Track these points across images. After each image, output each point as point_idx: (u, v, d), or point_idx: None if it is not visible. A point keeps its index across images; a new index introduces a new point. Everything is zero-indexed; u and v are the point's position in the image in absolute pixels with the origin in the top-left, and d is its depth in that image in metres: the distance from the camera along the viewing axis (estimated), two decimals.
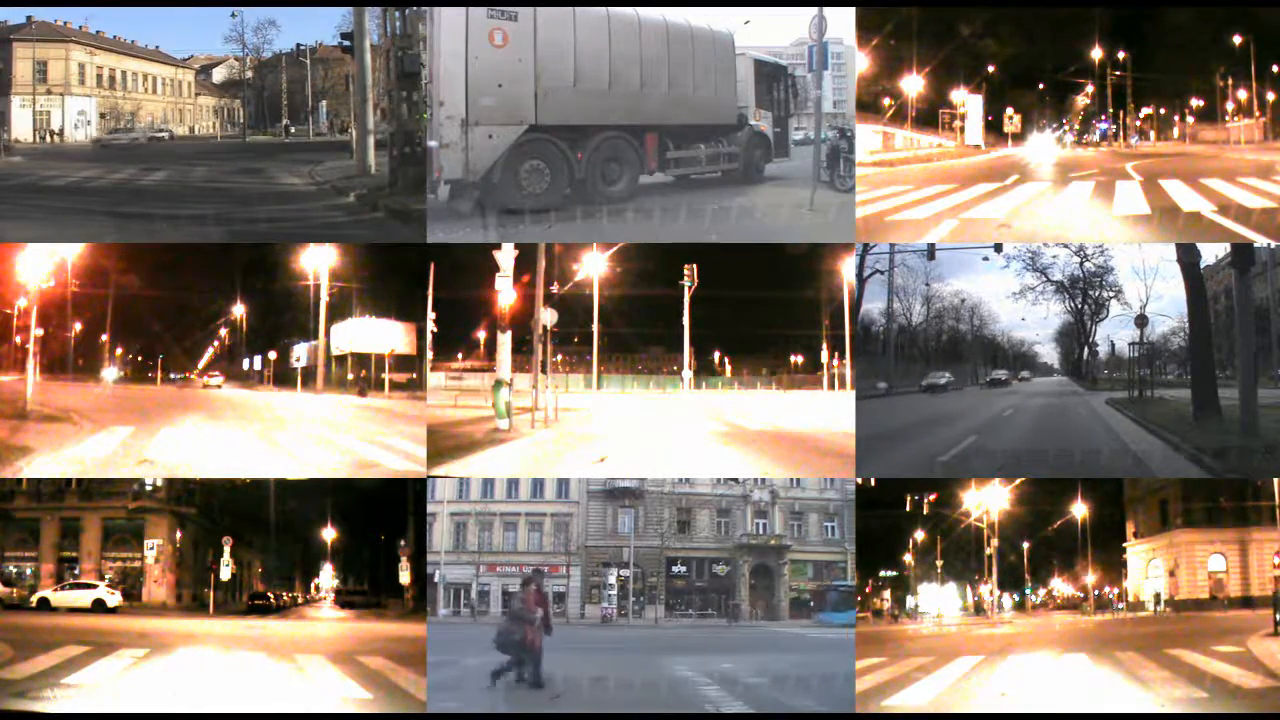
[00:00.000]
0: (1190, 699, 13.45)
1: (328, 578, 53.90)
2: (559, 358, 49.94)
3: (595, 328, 46.25)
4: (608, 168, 24.19)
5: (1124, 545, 42.37)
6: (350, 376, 46.91)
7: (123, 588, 31.11)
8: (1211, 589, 35.76)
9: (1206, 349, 24.82)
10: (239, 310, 52.86)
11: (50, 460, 17.77)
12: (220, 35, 71.85)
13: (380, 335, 48.19)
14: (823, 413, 30.87)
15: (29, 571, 32.81)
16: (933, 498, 40.73)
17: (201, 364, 57.98)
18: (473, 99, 21.75)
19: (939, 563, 47.35)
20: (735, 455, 20.96)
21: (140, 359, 55.88)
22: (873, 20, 30.81)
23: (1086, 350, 60.79)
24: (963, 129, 41.85)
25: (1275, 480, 28.26)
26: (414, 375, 44.71)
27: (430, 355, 41.67)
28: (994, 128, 42.80)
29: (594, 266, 35.59)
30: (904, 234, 25.03)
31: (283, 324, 50.46)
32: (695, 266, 46.98)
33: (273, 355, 52.65)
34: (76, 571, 32.20)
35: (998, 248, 31.92)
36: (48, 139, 50.13)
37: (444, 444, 20.06)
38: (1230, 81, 43.70)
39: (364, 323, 48.80)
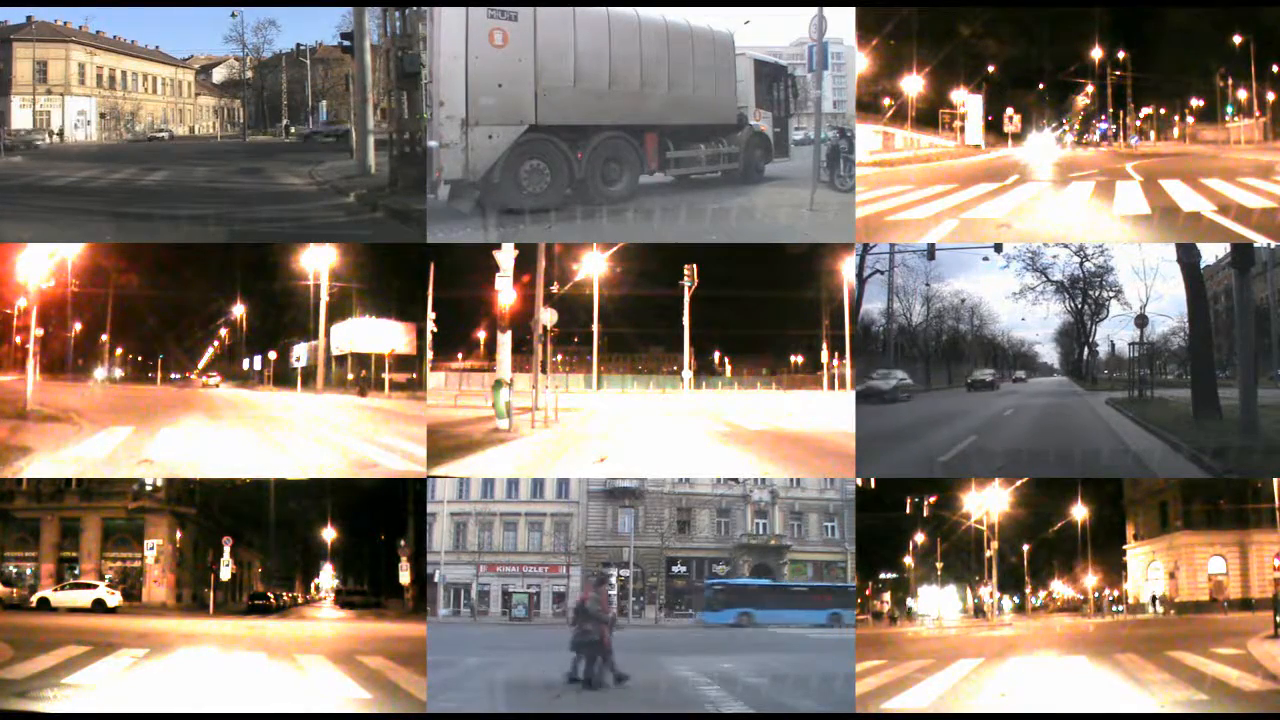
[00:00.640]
0: (1190, 701, 13.44)
1: (328, 578, 53.95)
2: (559, 358, 49.99)
3: (595, 328, 46.33)
4: (608, 168, 24.18)
5: (1124, 547, 42.37)
6: (350, 376, 46.98)
7: (123, 588, 31.16)
8: (1211, 591, 35.75)
9: (1206, 349, 24.82)
10: (239, 310, 52.96)
11: (50, 460, 17.76)
12: (220, 35, 72.00)
13: (380, 335, 48.25)
14: (823, 413, 30.86)
15: (29, 571, 32.84)
16: (933, 500, 40.72)
17: (201, 364, 58.06)
18: (473, 99, 21.73)
19: (939, 565, 47.36)
20: (735, 455, 20.95)
21: (140, 359, 55.95)
22: (873, 20, 30.81)
23: (1086, 350, 60.86)
24: (963, 129, 41.86)
25: (1275, 481, 28.26)
26: (414, 375, 44.74)
27: (430, 355, 41.70)
28: (994, 128, 42.82)
29: (594, 266, 35.62)
30: (904, 234, 25.02)
31: (283, 324, 50.52)
32: (695, 266, 47.04)
33: (273, 355, 52.71)
34: (76, 571, 32.23)
35: (998, 248, 31.90)
36: (46, 139, 50.11)
37: (444, 444, 20.06)
38: (1230, 81, 43.71)
39: (364, 323, 48.87)
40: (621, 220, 23.06)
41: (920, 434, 24.84)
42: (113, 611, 27.97)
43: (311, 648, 19.22)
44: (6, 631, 18.61)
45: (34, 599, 29.17)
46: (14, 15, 51.16)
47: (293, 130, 54.69)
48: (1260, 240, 21.12)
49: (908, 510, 40.82)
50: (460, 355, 57.82)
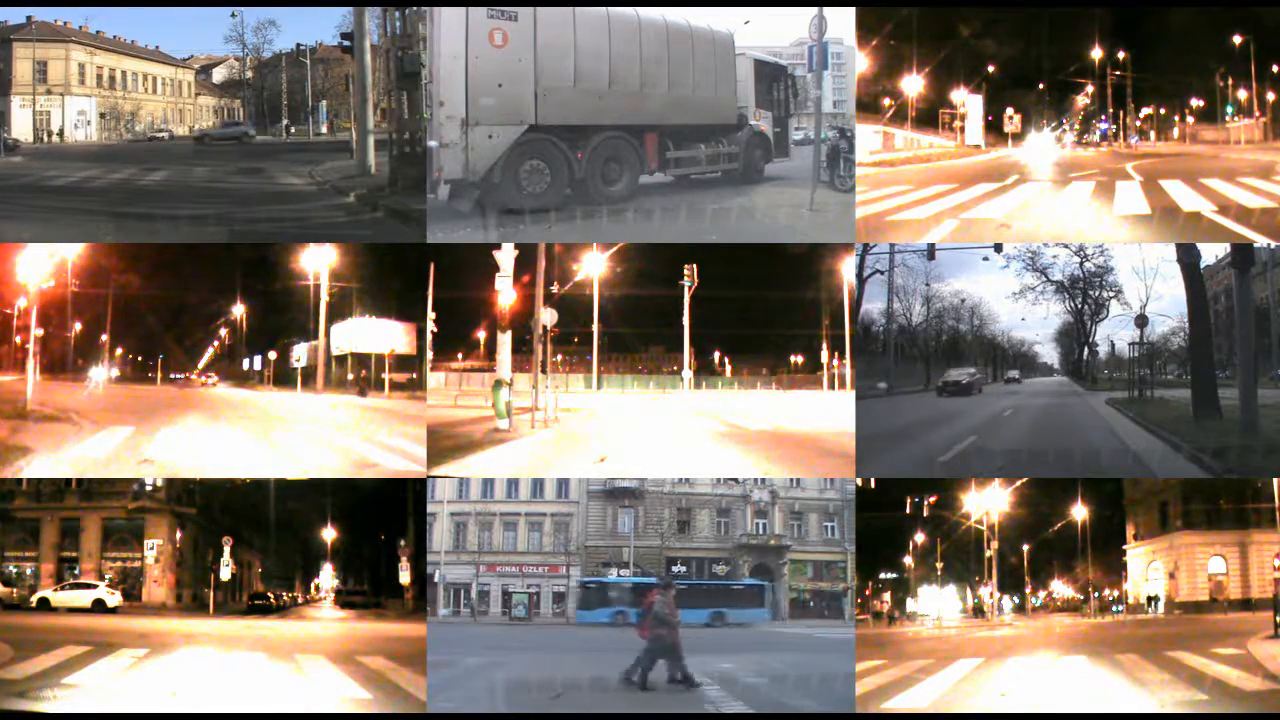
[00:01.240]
0: (1190, 701, 13.45)
1: (328, 578, 53.97)
2: (559, 358, 49.98)
3: (595, 328, 46.27)
4: (608, 168, 24.18)
5: (1124, 547, 42.35)
6: (350, 376, 46.95)
7: (123, 588, 31.15)
8: (1212, 591, 35.73)
9: (1206, 349, 24.82)
10: (239, 310, 52.92)
11: (50, 460, 17.76)
12: (220, 35, 71.95)
13: (380, 335, 48.21)
14: (823, 413, 30.86)
15: (29, 571, 32.82)
16: (933, 500, 40.70)
17: (202, 364, 58.06)
18: (473, 99, 21.73)
19: (939, 565, 47.32)
20: (735, 455, 20.95)
21: (140, 359, 55.94)
22: (873, 20, 30.79)
23: (1086, 350, 60.87)
24: (963, 129, 41.84)
25: (1275, 481, 28.26)
26: (414, 375, 44.73)
27: (430, 355, 41.70)
28: (994, 128, 42.80)
29: (594, 266, 35.57)
30: (904, 234, 25.02)
31: (283, 324, 50.47)
32: (695, 266, 46.99)
33: (273, 355, 52.67)
34: (76, 571, 32.22)
35: (998, 248, 31.93)
36: (44, 139, 50.12)
37: (444, 444, 20.06)
38: (1230, 81, 43.70)
39: (364, 323, 48.82)
40: (621, 220, 23.06)
41: (920, 434, 24.85)
42: (113, 611, 27.96)
43: (311, 648, 19.22)
44: (6, 631, 18.59)
45: (34, 599, 29.17)
46: (14, 15, 51.20)
47: (293, 131, 54.66)
48: (1260, 240, 21.11)
49: (908, 510, 40.82)
50: (460, 355, 57.90)
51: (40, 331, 30.35)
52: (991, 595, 42.70)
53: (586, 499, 40.69)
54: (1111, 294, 53.64)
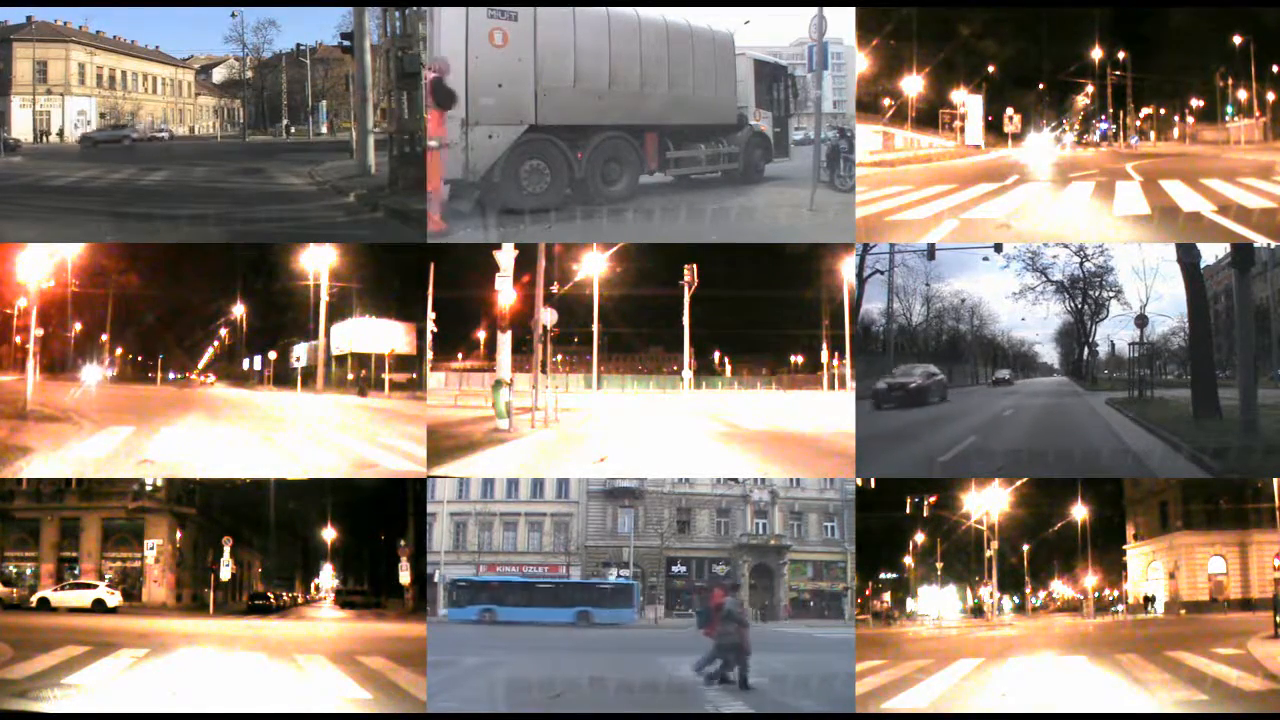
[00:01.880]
0: (1190, 701, 13.45)
1: (328, 578, 53.95)
2: (559, 358, 49.98)
3: (595, 328, 46.27)
4: (608, 168, 24.18)
5: (1124, 547, 42.35)
6: (350, 376, 46.90)
7: (123, 588, 31.14)
8: (1212, 591, 35.73)
9: (1206, 349, 24.81)
10: (239, 310, 52.84)
11: (50, 460, 17.76)
12: (220, 35, 71.70)
13: (380, 335, 48.17)
14: (823, 413, 30.84)
15: (29, 571, 32.81)
16: (933, 500, 40.70)
17: (202, 364, 58.03)
18: (473, 99, 21.74)
19: (939, 565, 47.32)
20: (735, 455, 20.95)
21: (140, 359, 55.90)
22: (873, 20, 30.78)
23: (1086, 350, 60.81)
24: (963, 129, 41.80)
25: (1275, 481, 28.25)
26: (414, 375, 44.71)
27: (430, 355, 41.68)
28: (994, 128, 42.75)
29: (594, 266, 35.61)
30: (904, 234, 25.02)
31: (283, 324, 50.42)
32: (695, 266, 47.00)
33: (273, 355, 52.64)
34: (76, 571, 32.21)
35: (998, 248, 31.87)
36: (42, 139, 50.11)
37: (444, 444, 20.06)
38: (1230, 82, 43.68)
39: (364, 323, 48.78)
40: (621, 220, 23.06)
41: (920, 434, 24.84)
42: (113, 611, 27.96)
43: (311, 648, 19.22)
44: (6, 631, 18.59)
45: (34, 599, 29.17)
46: (14, 15, 51.14)
47: (292, 131, 54.62)
48: (1260, 240, 21.12)
49: (908, 510, 40.83)
50: (460, 355, 57.88)
51: (40, 331, 30.33)
52: (991, 595, 42.72)
53: (586, 499, 40.70)
54: (1111, 294, 53.52)
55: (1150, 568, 39.76)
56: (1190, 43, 40.88)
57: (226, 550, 31.58)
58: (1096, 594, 44.57)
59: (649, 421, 28.80)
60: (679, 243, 32.30)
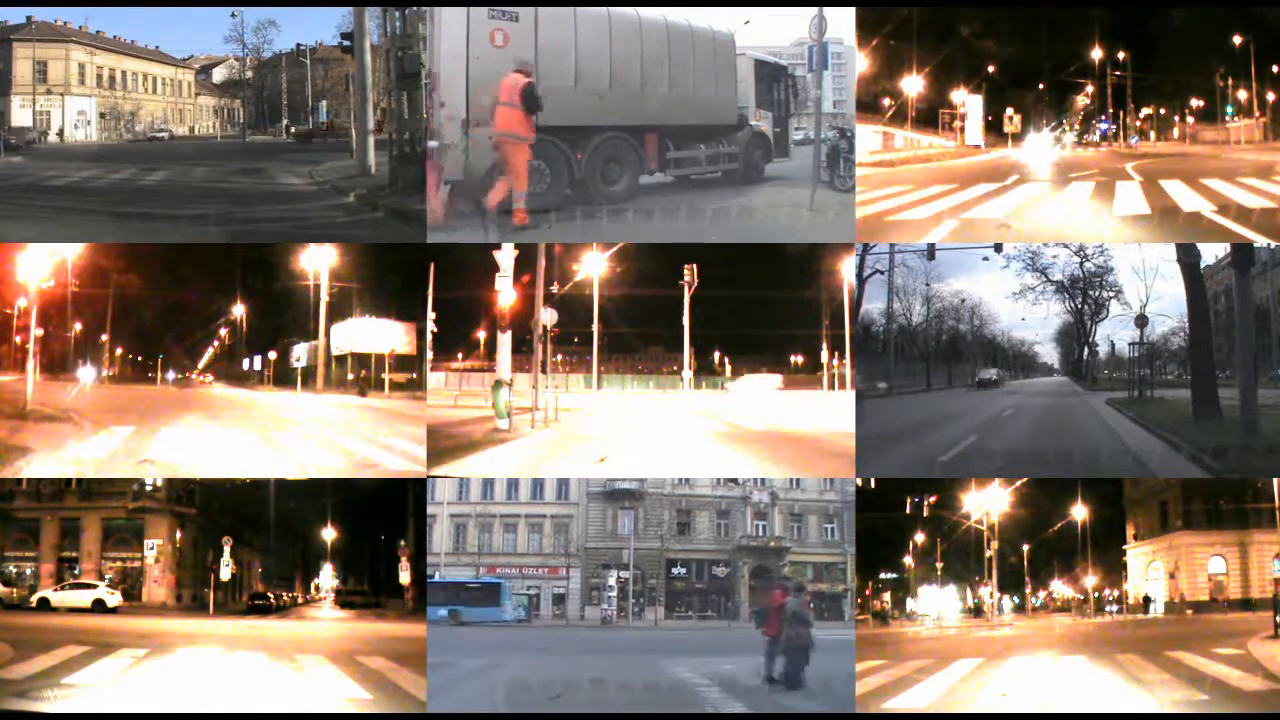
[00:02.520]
0: (1190, 701, 13.45)
1: (328, 578, 53.97)
2: (559, 358, 49.91)
3: (595, 328, 46.28)
4: (608, 168, 24.16)
5: (1124, 547, 42.36)
6: (350, 376, 46.89)
7: (123, 588, 31.15)
8: (1211, 591, 35.74)
9: (1206, 349, 24.80)
10: (239, 310, 52.85)
11: (50, 460, 17.76)
12: (220, 35, 71.82)
13: (380, 335, 48.16)
14: (823, 413, 30.85)
15: (29, 571, 32.81)
16: (933, 500, 40.70)
17: (202, 364, 58.05)
18: (473, 99, 21.72)
19: (939, 565, 47.31)
20: (735, 455, 20.95)
21: (140, 359, 55.91)
22: (873, 20, 30.79)
23: (1086, 350, 60.82)
24: (963, 129, 41.81)
25: (1275, 481, 28.26)
26: (414, 375, 44.70)
27: (430, 355, 41.66)
28: (994, 128, 42.76)
29: (594, 266, 35.63)
30: (904, 234, 25.01)
31: (283, 324, 50.44)
32: (695, 266, 47.00)
33: (273, 355, 52.65)
34: (76, 571, 32.21)
35: (998, 248, 31.88)
36: (40, 139, 50.11)
37: (444, 444, 20.06)
38: (1230, 82, 43.68)
39: (364, 323, 48.77)
40: (621, 220, 23.04)
41: (920, 434, 24.85)
42: (113, 611, 27.96)
43: (311, 648, 19.23)
44: (6, 631, 18.59)
45: (34, 599, 29.17)
46: (14, 15, 51.17)
47: (292, 130, 54.64)
48: (1260, 240, 21.10)
49: (908, 510, 40.82)
50: (460, 355, 57.85)
51: (40, 331, 30.36)
52: (991, 595, 42.71)
53: (586, 500, 40.66)
54: (1111, 294, 53.60)
55: (1150, 568, 39.77)
56: (1190, 43, 40.87)
57: (226, 550, 31.58)
58: (1096, 594, 44.60)
59: (649, 421, 28.80)
60: (679, 243, 32.31)
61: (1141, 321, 39.13)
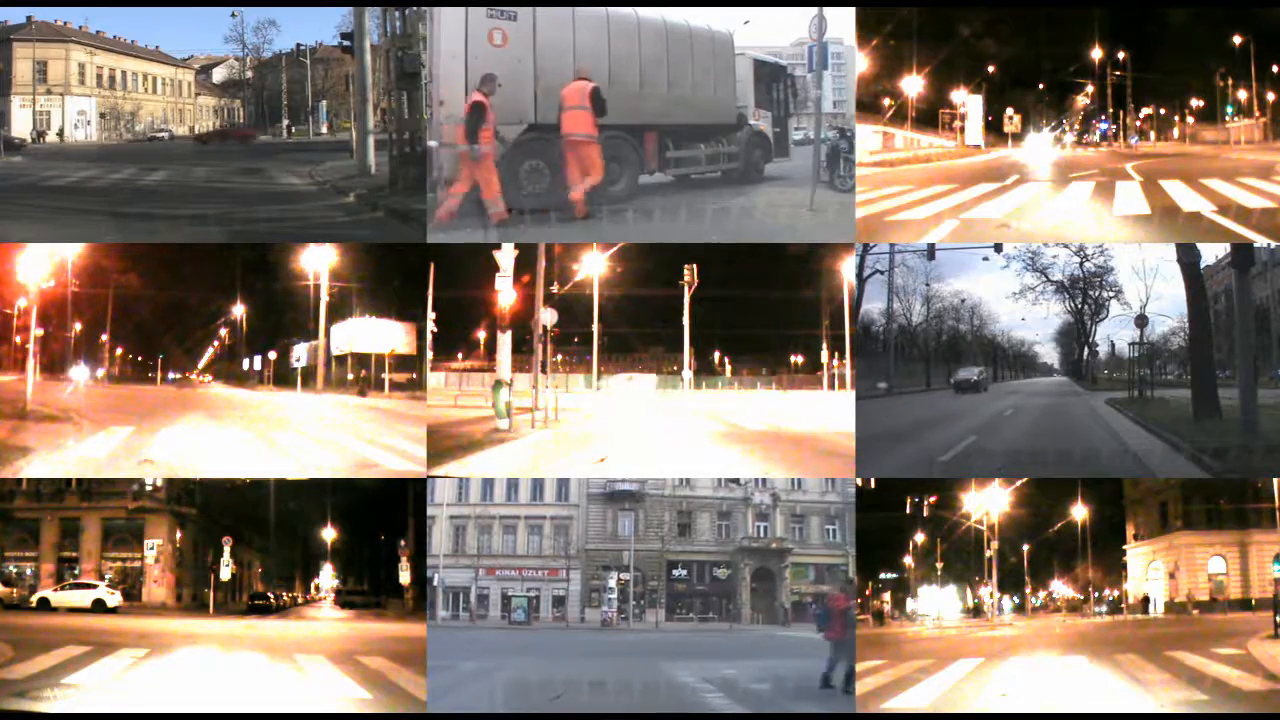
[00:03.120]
0: (1190, 701, 13.45)
1: (328, 578, 53.99)
2: (559, 358, 49.93)
3: (595, 328, 46.28)
4: (608, 167, 24.14)
5: (1124, 547, 42.36)
6: (350, 376, 46.91)
7: (123, 588, 31.13)
8: (1211, 591, 35.74)
9: (1206, 349, 24.81)
10: (239, 310, 52.87)
11: (50, 460, 17.75)
12: (220, 35, 71.83)
13: (380, 335, 48.19)
14: (823, 413, 30.84)
15: (29, 571, 32.82)
16: (933, 500, 40.69)
17: (202, 364, 58.09)
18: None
19: (939, 565, 47.31)
20: (735, 456, 20.93)
21: (140, 359, 55.95)
22: (873, 20, 30.76)
23: (1086, 350, 60.84)
24: (963, 129, 41.82)
25: (1275, 481, 28.25)
26: (414, 375, 44.72)
27: (430, 355, 41.67)
28: (994, 128, 42.78)
29: (594, 266, 35.58)
30: (904, 234, 25.01)
31: (283, 324, 50.48)
32: (695, 266, 47.00)
33: (273, 355, 52.67)
34: (76, 571, 32.22)
35: (998, 248, 31.91)
36: (39, 139, 50.12)
37: (444, 444, 20.04)
38: (1230, 81, 43.69)
39: (364, 323, 48.80)
40: (621, 220, 23.01)
41: (920, 434, 24.85)
42: (113, 611, 27.96)
43: (311, 648, 19.22)
44: (6, 631, 18.60)
45: (34, 599, 29.17)
46: (14, 15, 51.17)
47: (293, 131, 54.67)
48: (1260, 240, 21.10)
49: (908, 510, 40.81)
50: (460, 355, 57.90)
51: (40, 331, 30.36)
52: (991, 595, 42.70)
53: (586, 502, 40.59)
54: (1111, 294, 53.59)
55: (1150, 568, 39.77)
56: (1190, 43, 40.87)
57: (226, 550, 31.58)
58: (1096, 594, 44.62)
59: (649, 421, 28.78)
60: (679, 243, 32.30)
61: (1141, 321, 39.16)
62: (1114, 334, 56.56)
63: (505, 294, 22.51)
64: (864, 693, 14.71)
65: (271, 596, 38.08)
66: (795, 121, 34.70)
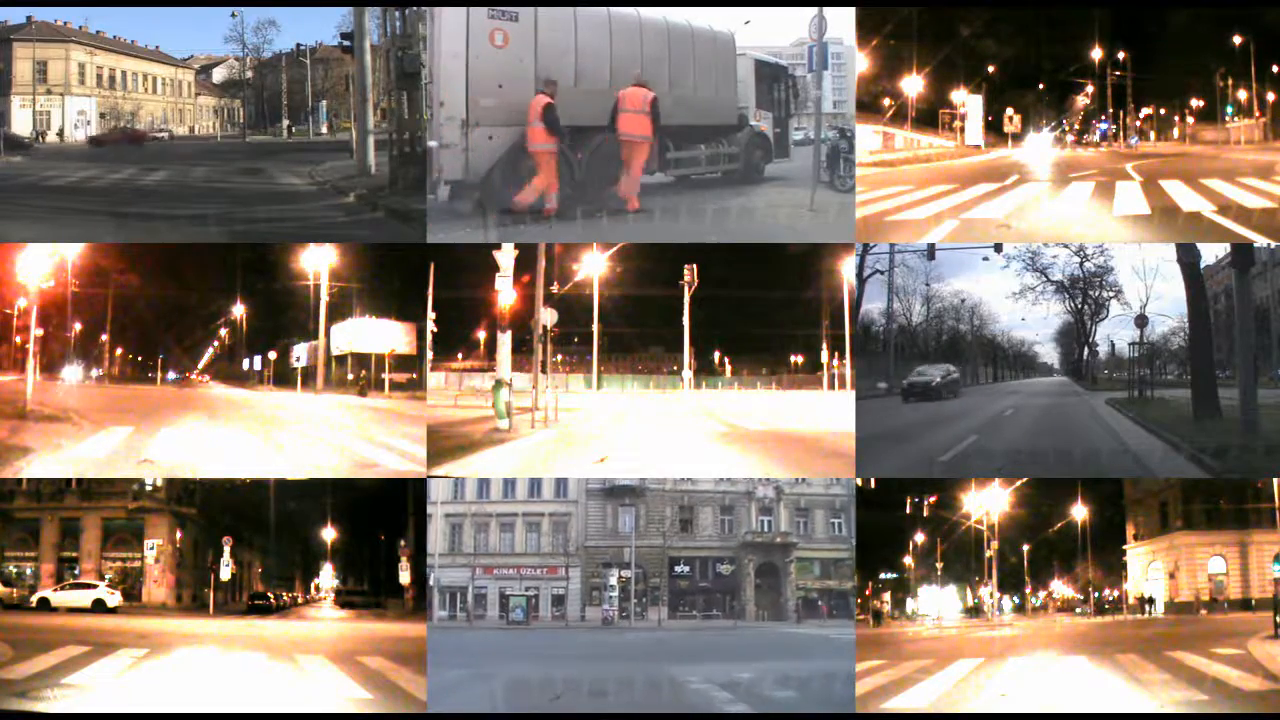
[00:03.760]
0: (1190, 701, 13.45)
1: (328, 578, 53.91)
2: (559, 358, 49.94)
3: (595, 328, 46.25)
4: (608, 168, 24.16)
5: (1124, 547, 42.36)
6: (350, 376, 46.90)
7: (123, 588, 31.12)
8: (1211, 591, 35.74)
9: (1206, 349, 24.81)
10: (239, 310, 52.87)
11: (50, 460, 17.75)
12: (220, 35, 71.86)
13: (380, 335, 48.17)
14: (823, 413, 30.83)
15: (29, 571, 32.81)
16: (933, 500, 40.68)
17: (202, 364, 58.09)
18: (473, 100, 21.73)
19: (939, 565, 47.27)
20: (735, 456, 20.94)
21: (140, 359, 55.93)
22: (873, 20, 30.78)
23: (1086, 350, 60.79)
24: (963, 129, 41.81)
25: (1275, 481, 28.27)
26: (414, 375, 44.71)
27: (430, 355, 41.66)
28: (994, 128, 42.77)
29: (594, 266, 35.57)
30: (904, 234, 25.02)
31: (283, 324, 50.45)
32: (695, 266, 46.99)
33: (273, 355, 52.67)
34: (76, 571, 32.21)
35: (998, 248, 31.88)
36: (39, 139, 50.10)
37: (444, 444, 20.06)
38: (1230, 82, 43.69)
39: (364, 323, 48.79)
40: (621, 220, 23.04)
41: (920, 434, 24.85)
42: (113, 611, 27.96)
43: (311, 648, 19.23)
44: (6, 631, 18.61)
45: (34, 599, 29.17)
46: (14, 15, 51.16)
47: (293, 131, 54.67)
48: (1260, 240, 21.12)
49: (908, 510, 40.78)
50: (460, 355, 57.89)
51: (40, 331, 30.33)
52: (991, 595, 42.69)
53: (585, 498, 40.44)
54: (1111, 294, 53.46)
55: (1150, 568, 39.77)
56: (1190, 43, 40.89)
57: (226, 550, 31.59)
58: (1096, 594, 44.61)
59: (649, 421, 28.78)
60: (679, 243, 32.30)
61: (1141, 321, 39.12)
62: (1114, 334, 56.43)
63: (505, 294, 22.54)
64: (864, 693, 14.73)
65: (271, 596, 38.05)
66: (795, 121, 34.72)
